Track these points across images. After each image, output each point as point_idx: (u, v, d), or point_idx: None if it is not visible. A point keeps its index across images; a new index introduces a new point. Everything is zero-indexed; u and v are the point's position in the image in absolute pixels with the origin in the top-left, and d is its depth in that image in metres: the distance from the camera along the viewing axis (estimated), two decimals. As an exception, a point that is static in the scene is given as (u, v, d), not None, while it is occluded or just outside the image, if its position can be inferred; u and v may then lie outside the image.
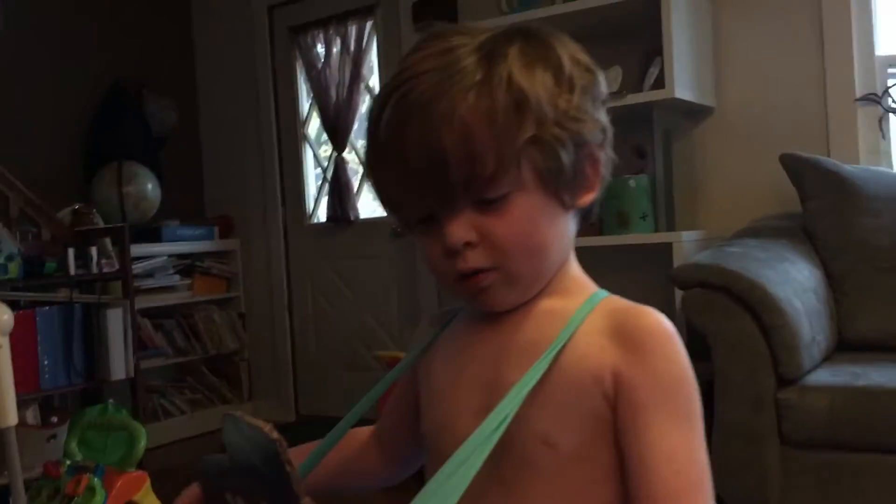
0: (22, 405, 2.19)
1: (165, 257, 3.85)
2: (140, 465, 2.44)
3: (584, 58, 0.79)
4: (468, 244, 0.73)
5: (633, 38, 2.99)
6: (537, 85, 0.72)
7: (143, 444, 2.27)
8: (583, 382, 0.72)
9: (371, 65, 3.89)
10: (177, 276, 3.91)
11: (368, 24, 3.83)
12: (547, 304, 0.78)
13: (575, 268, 0.83)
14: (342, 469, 0.95)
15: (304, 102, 4.13)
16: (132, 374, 3.17)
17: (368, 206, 3.97)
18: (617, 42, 3.03)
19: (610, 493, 0.72)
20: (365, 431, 0.97)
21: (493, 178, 0.71)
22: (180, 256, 3.94)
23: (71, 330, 3.00)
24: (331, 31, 3.92)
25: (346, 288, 3.99)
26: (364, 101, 3.93)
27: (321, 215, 4.08)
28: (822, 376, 2.05)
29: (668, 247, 2.69)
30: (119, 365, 3.12)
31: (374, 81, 3.89)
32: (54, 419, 2.60)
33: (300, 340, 4.14)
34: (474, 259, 0.74)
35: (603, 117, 0.78)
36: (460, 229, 0.73)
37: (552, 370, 0.72)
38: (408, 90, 0.72)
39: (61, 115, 3.75)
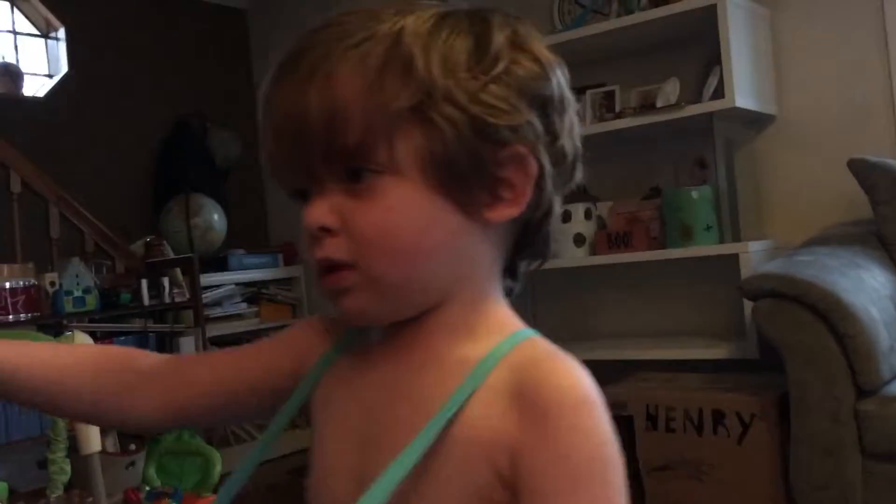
0: (102, 433, 2.25)
1: (233, 286, 3.92)
2: (215, 491, 2.49)
3: (538, 48, 0.64)
4: (326, 230, 0.60)
5: (690, 50, 2.96)
6: (435, 50, 0.59)
7: (218, 468, 2.31)
8: (473, 458, 0.58)
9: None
10: (244, 304, 3.99)
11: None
12: (442, 350, 0.63)
13: (491, 301, 0.66)
14: (82, 376, 0.71)
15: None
16: (204, 401, 3.23)
17: (429, 228, 3.99)
18: (674, 54, 3.02)
19: None
20: (150, 356, 0.74)
21: (358, 149, 0.58)
22: (247, 285, 4.01)
23: (145, 359, 3.08)
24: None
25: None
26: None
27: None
28: (904, 385, 1.98)
29: (734, 258, 2.64)
30: (192, 392, 3.19)
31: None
32: (132, 446, 2.67)
33: (365, 364, 4.16)
34: (331, 248, 0.61)
35: (538, 119, 0.62)
36: (319, 210, 0.60)
37: (439, 438, 0.58)
38: (298, 45, 0.62)
39: (130, 152, 3.88)
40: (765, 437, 2.25)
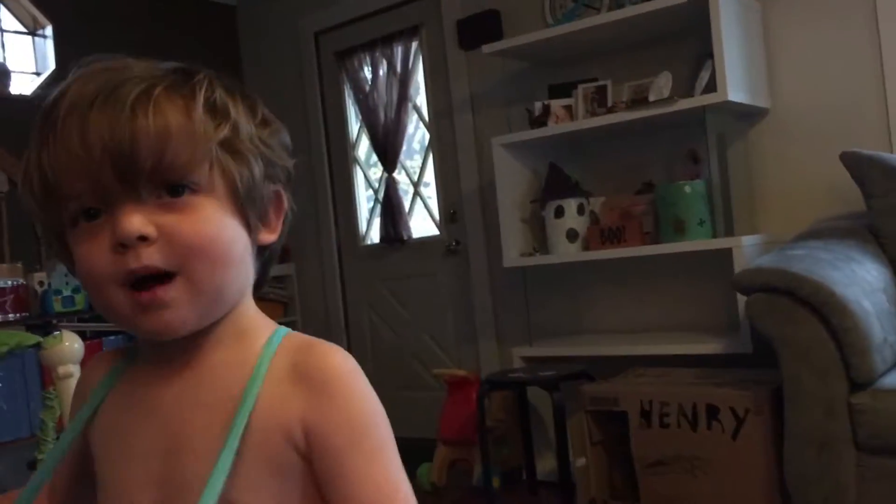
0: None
1: (224, 284, 3.90)
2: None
3: (268, 112, 0.80)
4: (144, 238, 0.66)
5: (682, 44, 2.96)
6: (237, 104, 0.73)
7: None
8: (274, 440, 0.69)
9: (417, 84, 3.92)
10: (235, 302, 3.96)
11: (414, 45, 3.86)
12: (223, 355, 0.73)
13: (253, 308, 0.77)
14: None
15: (353, 125, 4.17)
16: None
17: (421, 225, 3.98)
18: (665, 48, 3.01)
19: None
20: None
21: (185, 168, 0.68)
22: (238, 282, 3.99)
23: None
24: (377, 54, 3.96)
25: (401, 307, 4.00)
26: (412, 121, 3.96)
27: (374, 236, 4.11)
28: (897, 379, 1.98)
29: (727, 252, 2.64)
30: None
31: (422, 101, 3.91)
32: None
33: (358, 361, 4.14)
34: (149, 256, 0.66)
35: (289, 163, 0.79)
36: (136, 219, 0.66)
37: (243, 432, 0.68)
38: (103, 81, 0.69)
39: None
40: (759, 432, 2.25)
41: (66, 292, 2.84)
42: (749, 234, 2.79)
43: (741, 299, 2.30)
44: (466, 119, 3.66)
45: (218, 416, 0.70)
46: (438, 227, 3.89)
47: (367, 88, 4.00)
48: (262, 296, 3.46)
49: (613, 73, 3.06)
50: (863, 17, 2.73)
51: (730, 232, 2.77)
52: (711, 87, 2.68)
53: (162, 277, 0.68)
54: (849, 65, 2.77)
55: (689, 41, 2.90)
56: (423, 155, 3.98)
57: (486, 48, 3.18)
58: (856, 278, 2.11)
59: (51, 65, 3.71)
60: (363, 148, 4.17)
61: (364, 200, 4.20)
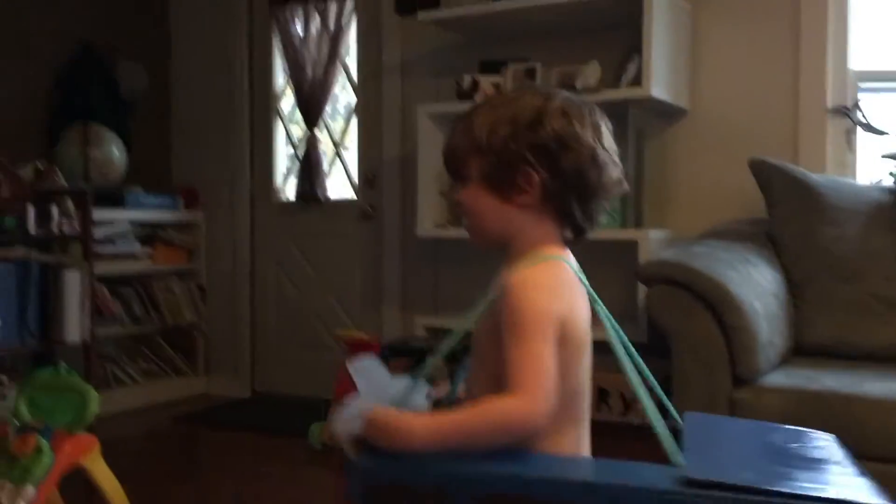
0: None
1: (127, 224, 3.78)
2: (89, 429, 2.40)
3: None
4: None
5: (614, 36, 3.00)
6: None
7: (93, 407, 2.22)
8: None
9: (349, 45, 3.86)
10: (137, 244, 3.85)
11: (349, 4, 3.79)
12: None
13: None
14: None
15: (279, 78, 4.08)
16: (87, 339, 3.11)
17: (338, 186, 3.94)
18: (597, 38, 3.05)
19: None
20: None
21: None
22: (142, 224, 3.88)
23: (27, 289, 2.94)
24: (311, 9, 3.88)
25: (310, 267, 3.96)
26: (339, 82, 3.90)
27: (290, 193, 4.05)
28: (778, 378, 2.08)
29: (633, 244, 2.71)
30: (73, 328, 3.07)
31: (353, 62, 3.85)
32: (4, 378, 2.55)
33: (260, 317, 4.10)
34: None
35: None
36: None
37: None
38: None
39: (28, 72, 3.66)
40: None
41: None
42: (656, 227, 2.87)
43: (642, 290, 2.37)
44: (395, 85, 3.63)
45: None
46: (356, 190, 3.86)
47: (297, 43, 3.91)
48: (167, 240, 3.37)
49: (544, 56, 3.09)
50: (785, 30, 2.83)
51: (639, 224, 2.84)
52: (637, 81, 2.73)
53: None
54: (767, 75, 2.87)
55: (621, 34, 2.95)
56: (347, 117, 3.93)
57: (422, 15, 3.16)
58: (750, 280, 2.20)
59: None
60: (288, 103, 4.09)
61: (283, 155, 4.12)
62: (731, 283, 2.09)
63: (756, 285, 2.21)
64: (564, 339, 1.06)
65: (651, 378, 1.13)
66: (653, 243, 2.72)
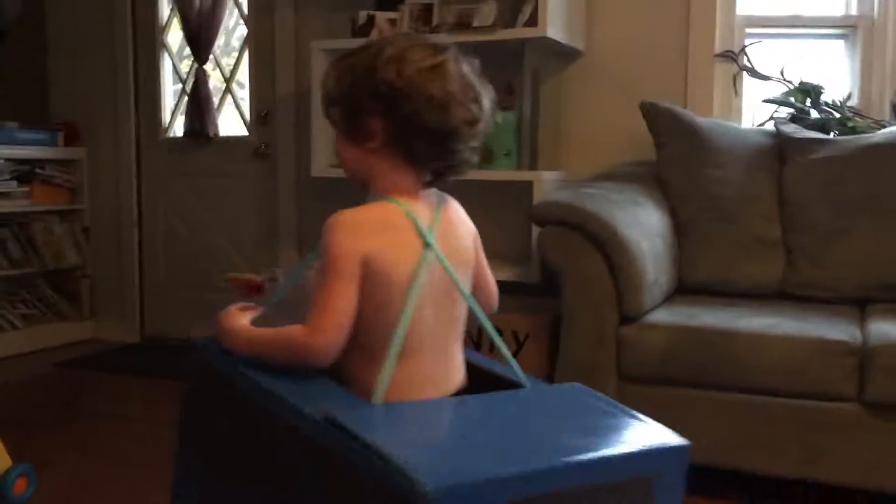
0: None
1: (2, 161, 3.56)
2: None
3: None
4: None
5: (511, -26, 2.97)
6: None
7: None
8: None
9: (240, -26, 3.70)
10: (14, 183, 3.64)
11: (239, -70, 3.62)
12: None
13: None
14: None
15: (165, 8, 3.88)
16: (-42, 283, 2.94)
17: (230, 122, 3.81)
18: (494, -25, 3.01)
19: None
20: None
21: None
22: (18, 162, 3.66)
23: None
24: (198, -67, 3.68)
25: (200, 206, 3.84)
26: (231, 15, 3.74)
27: (178, 129, 3.89)
28: (660, 316, 2.15)
29: (528, 185, 2.73)
30: (-57, 272, 2.89)
31: (242, -8, 3.70)
32: None
33: (148, 258, 3.96)
34: None
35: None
36: None
37: None
38: None
39: None
40: (535, 356, 2.38)
41: None
42: (551, 169, 2.90)
43: (535, 231, 2.40)
44: (288, 19, 3.51)
45: None
46: (248, 128, 3.74)
47: (184, -30, 3.72)
48: (46, 178, 3.21)
49: (442, -7, 3.03)
50: (678, -25, 2.86)
51: (533, 166, 2.87)
52: (533, 21, 2.72)
53: None
54: (659, 19, 2.90)
55: (518, -28, 2.92)
56: (238, 52, 3.78)
57: (316, -55, 3.04)
58: (638, 221, 2.26)
59: None
60: (176, 36, 3.90)
61: (170, 90, 3.94)
62: (620, 224, 2.13)
63: (643, 226, 2.27)
64: (370, 276, 1.12)
65: (481, 316, 1.30)
66: (547, 184, 2.75)
